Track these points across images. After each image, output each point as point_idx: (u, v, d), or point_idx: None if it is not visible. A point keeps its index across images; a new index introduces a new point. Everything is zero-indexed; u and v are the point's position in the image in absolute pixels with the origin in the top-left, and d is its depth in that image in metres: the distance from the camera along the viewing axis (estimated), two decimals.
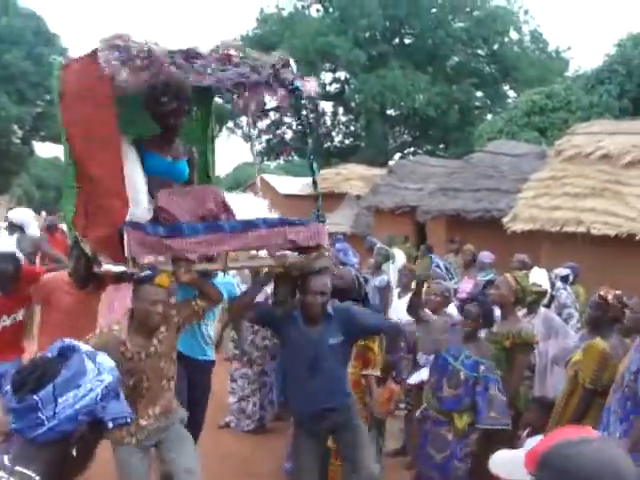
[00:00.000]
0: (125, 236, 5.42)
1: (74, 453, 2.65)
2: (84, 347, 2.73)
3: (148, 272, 5.43)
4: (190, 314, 6.04)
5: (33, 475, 2.55)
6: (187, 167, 6.59)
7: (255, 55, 6.32)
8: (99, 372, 2.67)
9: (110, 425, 2.69)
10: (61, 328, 7.05)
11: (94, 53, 5.57)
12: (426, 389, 7.27)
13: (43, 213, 34.87)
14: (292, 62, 6.46)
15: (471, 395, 6.80)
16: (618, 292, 7.12)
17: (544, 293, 9.01)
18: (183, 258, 5.60)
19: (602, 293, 7.06)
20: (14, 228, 11.65)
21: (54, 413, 2.53)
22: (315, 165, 6.85)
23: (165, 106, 6.01)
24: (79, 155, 6.01)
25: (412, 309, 7.60)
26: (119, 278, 7.66)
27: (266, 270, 6.41)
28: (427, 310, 7.83)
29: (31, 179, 74.03)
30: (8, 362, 7.70)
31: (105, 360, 2.76)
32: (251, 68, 6.14)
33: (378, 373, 7.50)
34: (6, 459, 2.59)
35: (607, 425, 6.06)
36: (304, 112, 6.83)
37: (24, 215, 12.04)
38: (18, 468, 2.56)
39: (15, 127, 53.00)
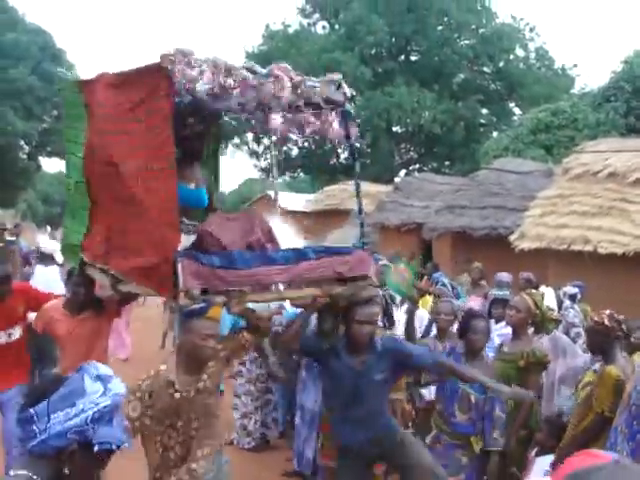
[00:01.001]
0: (179, 267, 5.17)
1: (66, 472, 2.77)
2: (99, 369, 2.80)
3: (202, 305, 5.19)
4: (237, 347, 5.80)
5: (35, 477, 2.70)
6: (204, 194, 6.35)
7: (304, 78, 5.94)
8: (103, 394, 2.74)
9: (96, 448, 2.78)
10: (62, 354, 7.13)
11: (158, 68, 5.21)
12: (435, 416, 7.15)
13: (48, 228, 34.91)
14: (345, 85, 6.25)
15: (479, 417, 6.77)
16: (609, 312, 7.05)
17: (558, 321, 8.99)
18: (236, 289, 5.42)
19: (597, 318, 6.97)
20: (46, 257, 11.91)
21: (45, 427, 2.66)
22: (359, 191, 6.61)
23: (191, 128, 5.81)
24: (114, 176, 5.68)
25: (410, 334, 7.54)
26: (121, 303, 7.62)
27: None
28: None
29: (37, 194, 74.24)
30: (7, 389, 7.70)
31: (116, 386, 2.83)
32: (294, 90, 5.78)
33: (403, 397, 7.50)
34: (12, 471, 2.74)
35: (614, 444, 6.00)
36: (352, 138, 6.53)
37: (54, 245, 12.29)
38: (21, 472, 2.72)
39: (22, 142, 53.19)
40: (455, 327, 8.52)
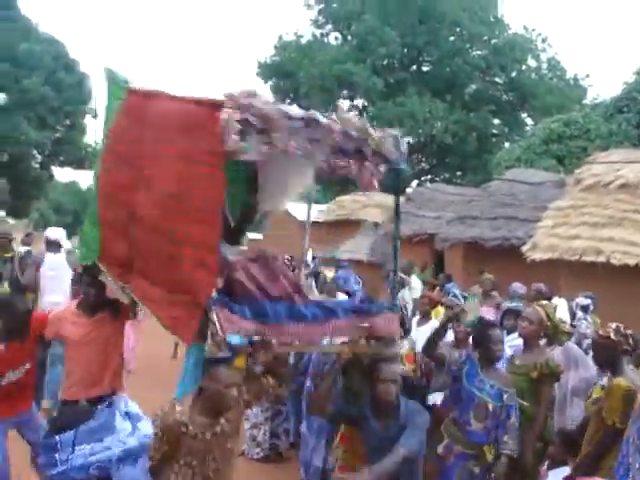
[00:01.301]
0: (214, 314, 5.03)
1: None
2: (129, 406, 2.75)
3: (228, 354, 5.12)
4: (259, 391, 5.67)
5: None
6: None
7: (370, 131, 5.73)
8: (131, 434, 2.67)
9: None
10: (75, 362, 6.80)
11: (218, 106, 4.93)
12: (447, 423, 7.06)
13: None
14: (403, 142, 6.04)
15: (495, 426, 6.71)
16: (615, 325, 7.02)
17: (571, 334, 8.95)
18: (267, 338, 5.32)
19: (602, 332, 6.93)
20: (52, 245, 12.02)
21: (67, 458, 2.55)
22: (398, 245, 6.56)
23: None
24: (147, 204, 5.57)
25: (430, 348, 7.50)
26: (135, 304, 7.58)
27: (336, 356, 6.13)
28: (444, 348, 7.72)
29: (49, 204, 74.42)
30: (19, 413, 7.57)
31: (145, 426, 2.76)
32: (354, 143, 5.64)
33: None
34: None
35: (626, 456, 5.98)
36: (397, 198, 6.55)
37: (60, 233, 12.50)
38: None
39: (34, 152, 53.37)
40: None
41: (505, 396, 6.73)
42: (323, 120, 5.39)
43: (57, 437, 2.55)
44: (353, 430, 6.44)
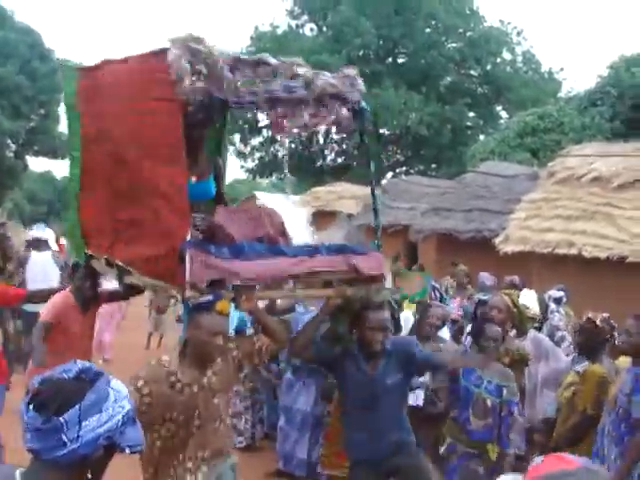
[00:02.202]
0: (187, 257, 4.96)
1: (89, 476, 2.68)
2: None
3: (209, 298, 4.96)
4: (250, 351, 5.44)
5: None
6: (213, 184, 6.27)
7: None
8: (116, 399, 2.68)
9: (127, 451, 2.71)
10: (71, 351, 6.80)
11: (162, 53, 5.12)
12: (449, 424, 6.98)
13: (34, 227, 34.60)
14: (359, 80, 6.03)
15: (497, 424, 6.61)
16: (605, 314, 7.13)
17: (535, 319, 9.03)
18: (245, 284, 5.24)
19: (590, 316, 7.05)
20: (39, 244, 12.26)
21: (77, 436, 2.53)
22: (377, 193, 6.55)
23: (192, 117, 5.57)
24: (120, 162, 5.58)
25: (421, 336, 7.48)
26: (112, 296, 7.62)
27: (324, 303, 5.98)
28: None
29: (23, 193, 73.85)
30: None
31: (120, 387, 2.77)
32: (305, 83, 5.64)
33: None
34: (18, 475, 2.62)
35: (602, 447, 6.06)
36: (365, 137, 6.54)
37: (47, 232, 12.83)
38: None
39: (9, 141, 52.98)
40: (443, 331, 8.57)
41: (505, 391, 6.63)
42: (273, 61, 5.49)
43: (60, 419, 2.52)
44: (339, 425, 6.43)
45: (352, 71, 6.04)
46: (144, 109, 5.30)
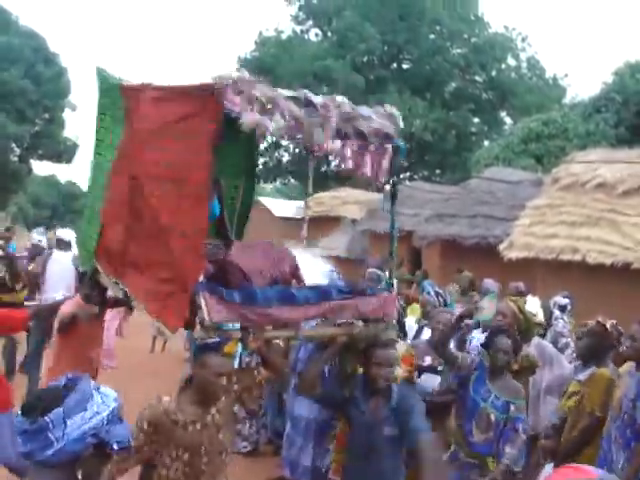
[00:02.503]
0: (202, 299, 4.98)
1: (79, 476, 2.75)
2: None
3: (217, 340, 5.00)
4: (250, 384, 5.50)
5: None
6: (217, 205, 6.19)
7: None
8: (103, 400, 2.76)
9: (115, 447, 2.79)
10: (79, 358, 6.98)
11: (209, 90, 4.97)
12: (455, 430, 6.88)
13: (42, 229, 34.63)
14: (400, 119, 6.06)
15: (499, 439, 6.49)
16: (614, 321, 7.13)
17: (542, 325, 9.02)
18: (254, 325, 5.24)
19: (600, 320, 7.05)
20: (63, 244, 12.47)
21: (63, 434, 2.64)
22: (396, 224, 6.60)
23: None
24: (140, 191, 5.55)
25: (441, 346, 7.43)
26: (118, 302, 7.65)
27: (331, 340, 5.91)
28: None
29: (27, 197, 74.01)
30: None
31: (108, 392, 2.84)
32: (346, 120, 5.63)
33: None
34: None
35: (609, 453, 6.05)
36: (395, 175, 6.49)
37: (71, 234, 12.79)
38: None
39: (13, 145, 53.03)
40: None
41: (512, 407, 6.51)
42: (318, 100, 5.41)
43: (46, 418, 2.62)
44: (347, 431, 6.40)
45: (395, 111, 6.06)
46: (182, 145, 5.24)
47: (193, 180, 5.08)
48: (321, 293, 5.64)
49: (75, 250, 12.35)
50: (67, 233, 12.98)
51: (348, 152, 5.88)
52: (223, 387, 5.03)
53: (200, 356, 4.99)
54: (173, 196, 5.23)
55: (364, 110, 5.78)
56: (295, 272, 5.89)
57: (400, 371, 7.09)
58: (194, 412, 4.96)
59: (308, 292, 5.62)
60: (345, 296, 5.71)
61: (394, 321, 6.07)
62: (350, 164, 5.99)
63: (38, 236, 13.91)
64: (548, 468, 6.78)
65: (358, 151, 5.93)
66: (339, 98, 5.60)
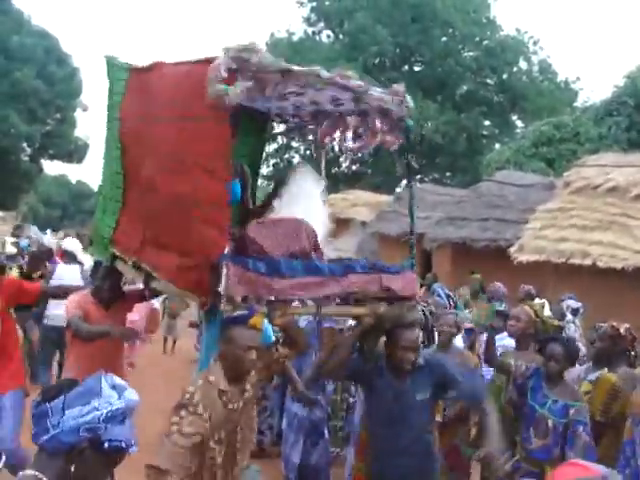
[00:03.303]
0: (224, 270, 4.83)
1: (72, 469, 2.79)
2: (115, 380, 2.88)
3: (244, 312, 4.83)
4: (270, 362, 5.33)
5: (41, 477, 2.73)
6: (238, 187, 5.96)
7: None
8: (118, 398, 2.81)
9: (106, 445, 2.80)
10: (90, 355, 6.72)
11: (211, 61, 4.91)
12: (519, 439, 6.68)
13: (48, 231, 34.82)
14: (408, 97, 6.03)
15: (561, 443, 6.25)
16: (628, 325, 7.11)
17: (562, 328, 8.97)
18: (280, 299, 5.12)
19: (614, 324, 7.01)
20: (69, 256, 12.04)
21: (59, 422, 2.71)
22: (415, 212, 6.39)
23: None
24: (159, 167, 5.51)
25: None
26: (141, 297, 7.56)
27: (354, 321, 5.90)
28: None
29: (38, 197, 74.29)
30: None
31: (131, 394, 2.89)
32: (354, 97, 5.62)
33: (439, 419, 7.17)
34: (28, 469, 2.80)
35: (630, 458, 6.00)
36: (410, 155, 6.40)
37: (76, 245, 12.43)
38: (31, 472, 2.77)
39: (24, 145, 53.25)
40: (457, 338, 8.48)
41: (571, 411, 6.24)
42: (325, 73, 5.33)
43: (47, 404, 2.70)
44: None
45: (401, 88, 6.02)
46: (191, 116, 5.16)
47: (207, 151, 5.01)
48: (345, 267, 5.54)
49: (82, 259, 12.23)
50: (72, 244, 12.65)
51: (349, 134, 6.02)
52: (252, 361, 4.85)
53: (227, 331, 4.86)
54: (187, 169, 5.16)
55: (374, 89, 5.72)
56: (316, 246, 5.77)
57: None
58: (233, 391, 4.81)
59: (333, 265, 5.51)
60: (369, 270, 5.62)
61: (417, 300, 5.98)
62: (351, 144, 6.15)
63: (68, 242, 13.39)
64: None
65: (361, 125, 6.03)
66: (349, 72, 5.51)
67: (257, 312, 4.85)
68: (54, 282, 11.27)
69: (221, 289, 4.83)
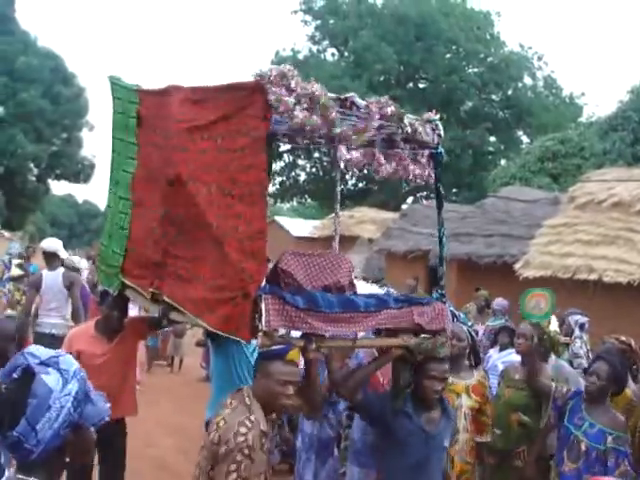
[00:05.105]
0: (263, 304, 4.69)
1: (67, 459, 2.83)
2: (35, 354, 2.77)
3: (282, 347, 4.72)
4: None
5: None
6: None
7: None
8: (65, 381, 2.71)
9: (92, 430, 2.82)
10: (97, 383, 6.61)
11: (254, 87, 4.79)
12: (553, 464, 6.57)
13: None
14: (440, 125, 6.00)
15: (592, 471, 5.93)
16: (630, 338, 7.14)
17: (569, 344, 8.96)
18: (315, 334, 4.97)
19: (624, 339, 7.02)
20: (50, 257, 11.60)
21: (37, 441, 2.64)
22: (445, 240, 6.29)
23: None
24: (178, 197, 5.32)
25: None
26: (152, 326, 7.46)
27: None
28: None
29: (45, 217, 74.38)
30: None
31: (69, 362, 2.79)
32: (397, 125, 5.53)
33: (489, 439, 7.13)
34: (12, 471, 2.76)
35: None
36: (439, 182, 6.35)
37: (55, 243, 11.92)
38: (21, 476, 2.71)
39: (31, 165, 53.35)
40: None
41: (609, 438, 6.02)
42: (361, 102, 5.32)
43: (14, 433, 2.63)
44: None
45: (434, 116, 6.01)
46: (229, 148, 4.97)
47: (245, 180, 4.83)
48: (379, 301, 5.45)
49: (64, 256, 12.01)
50: (52, 243, 11.99)
51: (381, 159, 5.87)
52: (290, 396, 4.68)
53: (264, 364, 4.70)
54: (221, 198, 4.95)
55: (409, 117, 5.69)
56: (350, 279, 5.71)
57: (470, 402, 6.93)
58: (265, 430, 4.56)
59: (367, 300, 5.39)
60: (401, 305, 5.53)
61: (448, 333, 5.81)
62: (385, 169, 5.99)
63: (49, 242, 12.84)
64: None
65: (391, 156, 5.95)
66: (383, 99, 5.48)
67: (294, 346, 4.78)
68: (44, 291, 11.19)
69: (260, 323, 4.69)
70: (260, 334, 4.66)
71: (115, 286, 6.54)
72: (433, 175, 6.29)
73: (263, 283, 4.81)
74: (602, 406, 6.25)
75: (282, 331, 4.79)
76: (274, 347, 4.71)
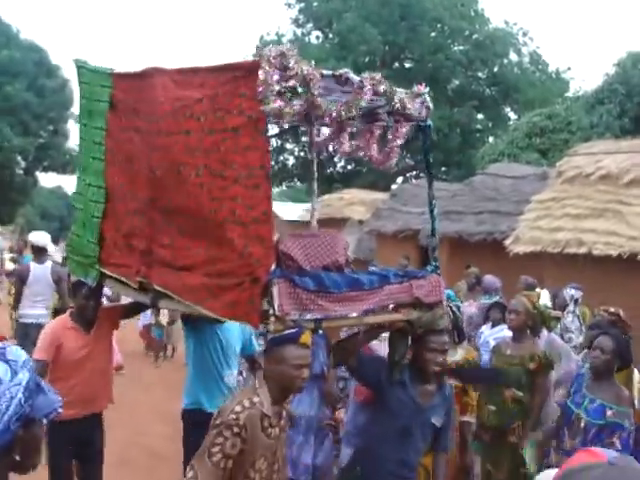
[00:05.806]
0: (275, 289, 4.66)
1: (17, 458, 2.71)
2: None
3: (294, 330, 4.60)
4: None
5: None
6: None
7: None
8: (14, 372, 2.62)
9: (44, 422, 2.75)
10: (73, 380, 6.52)
11: (252, 68, 4.69)
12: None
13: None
14: (428, 98, 6.06)
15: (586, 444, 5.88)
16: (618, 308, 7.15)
17: (559, 318, 8.99)
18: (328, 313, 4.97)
19: (613, 310, 7.03)
20: (39, 251, 11.74)
21: None
22: (436, 216, 6.30)
23: None
24: (166, 183, 5.20)
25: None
26: (127, 313, 7.43)
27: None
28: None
29: (34, 209, 74.18)
30: None
31: (17, 353, 2.70)
32: (387, 101, 5.60)
33: (474, 420, 7.24)
34: None
35: None
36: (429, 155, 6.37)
37: (44, 237, 12.04)
38: None
39: (18, 158, 53.19)
40: None
41: (609, 412, 6.05)
42: (354, 77, 5.33)
43: None
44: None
45: (423, 89, 6.08)
46: (223, 129, 4.82)
47: (242, 162, 4.71)
48: (381, 277, 5.47)
49: (51, 250, 12.03)
50: (41, 237, 12.06)
51: (345, 137, 6.00)
52: (305, 379, 4.64)
53: (276, 350, 4.61)
54: (211, 180, 4.85)
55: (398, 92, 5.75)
56: (347, 257, 5.69)
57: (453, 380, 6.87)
58: (272, 414, 4.57)
59: (370, 277, 5.41)
60: (401, 279, 5.57)
61: (444, 304, 5.92)
62: (346, 148, 6.16)
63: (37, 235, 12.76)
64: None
65: (362, 133, 6.07)
66: (377, 76, 5.50)
67: (305, 329, 4.71)
68: (30, 283, 11.25)
69: (272, 308, 4.66)
70: (272, 319, 4.65)
71: (93, 276, 6.42)
72: (423, 152, 6.43)
73: (273, 267, 4.76)
74: (607, 382, 6.25)
75: (294, 315, 4.75)
76: (287, 331, 4.62)
